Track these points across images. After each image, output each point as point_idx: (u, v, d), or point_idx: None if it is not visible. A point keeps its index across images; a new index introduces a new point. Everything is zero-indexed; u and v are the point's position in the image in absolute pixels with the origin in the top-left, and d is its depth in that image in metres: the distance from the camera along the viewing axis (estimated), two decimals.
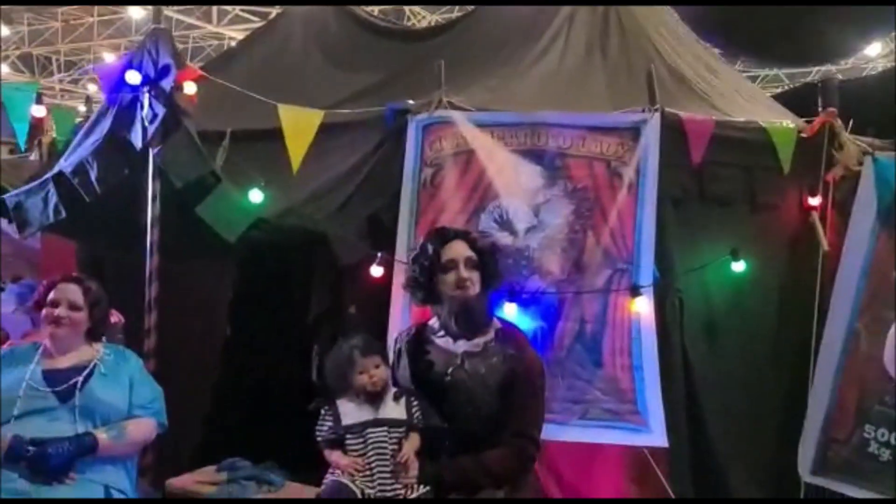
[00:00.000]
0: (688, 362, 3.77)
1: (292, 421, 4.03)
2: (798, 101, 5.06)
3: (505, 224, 3.70)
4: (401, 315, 3.65)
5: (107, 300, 3.14)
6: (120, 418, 2.96)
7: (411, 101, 3.88)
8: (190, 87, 3.46)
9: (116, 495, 2.86)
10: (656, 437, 3.40)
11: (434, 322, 2.74)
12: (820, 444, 3.76)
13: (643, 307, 3.54)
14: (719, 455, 3.81)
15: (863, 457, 3.67)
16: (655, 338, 3.50)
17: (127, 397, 3.00)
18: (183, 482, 3.20)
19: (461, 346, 2.62)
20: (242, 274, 3.92)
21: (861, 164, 3.88)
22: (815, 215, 3.84)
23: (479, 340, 2.61)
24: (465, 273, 2.59)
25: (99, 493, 2.82)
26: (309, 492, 3.17)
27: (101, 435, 2.87)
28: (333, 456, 2.50)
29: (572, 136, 3.76)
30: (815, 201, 3.90)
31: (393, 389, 2.55)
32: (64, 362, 3.00)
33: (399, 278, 3.68)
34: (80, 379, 2.94)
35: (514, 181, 3.75)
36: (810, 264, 3.95)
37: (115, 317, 3.46)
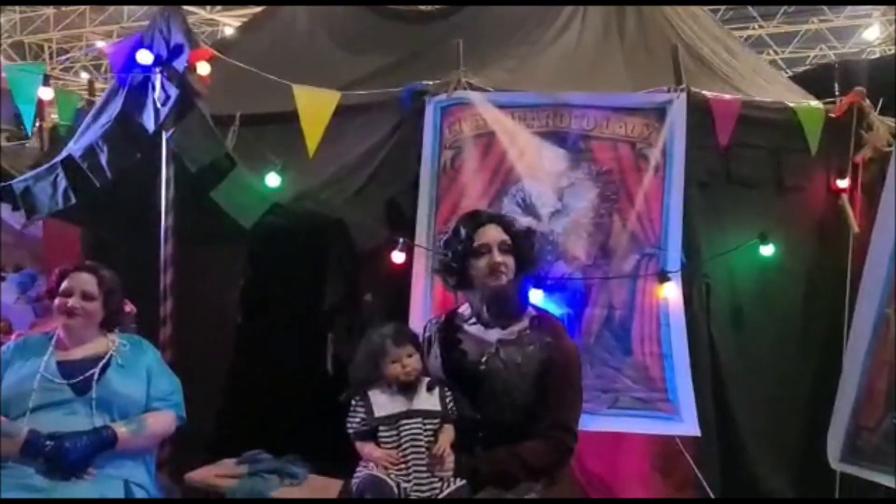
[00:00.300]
0: (715, 349, 3.69)
1: (311, 411, 3.98)
2: (812, 83, 4.99)
3: (528, 208, 3.61)
4: (422, 302, 3.56)
5: (121, 289, 3.03)
6: (138, 411, 2.86)
7: (429, 82, 3.77)
8: (203, 68, 3.33)
9: (136, 490, 2.76)
10: (688, 426, 3.32)
11: (465, 309, 2.64)
12: (849, 431, 3.68)
13: (671, 293, 3.45)
14: (747, 443, 3.74)
15: (893, 443, 3.59)
16: (684, 324, 3.41)
17: (145, 389, 2.90)
18: (202, 476, 3.11)
19: (495, 334, 2.52)
20: (257, 260, 3.81)
21: (891, 145, 3.78)
22: (845, 198, 3.75)
23: (514, 328, 2.51)
24: (498, 258, 2.49)
25: (118, 489, 2.72)
26: (333, 485, 3.08)
27: (121, 429, 2.77)
28: (366, 448, 2.41)
29: (596, 118, 3.66)
30: (843, 183, 3.82)
31: (426, 379, 2.46)
32: (78, 353, 2.90)
33: (420, 264, 3.60)
34: (97, 370, 2.84)
35: (537, 164, 3.65)
36: (838, 248, 3.87)
37: (128, 306, 3.35)
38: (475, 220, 2.57)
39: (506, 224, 2.58)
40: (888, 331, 3.70)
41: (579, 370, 2.54)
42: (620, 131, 3.66)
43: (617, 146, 3.63)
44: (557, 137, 3.66)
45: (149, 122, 3.32)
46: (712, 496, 3.64)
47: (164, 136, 3.34)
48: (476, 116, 3.70)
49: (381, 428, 2.39)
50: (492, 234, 2.52)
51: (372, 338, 2.48)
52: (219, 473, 3.09)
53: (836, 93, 4.13)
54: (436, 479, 2.34)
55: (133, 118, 3.33)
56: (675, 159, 3.58)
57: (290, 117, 3.58)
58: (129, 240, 3.63)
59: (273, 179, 3.37)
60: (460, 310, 2.65)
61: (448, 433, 2.38)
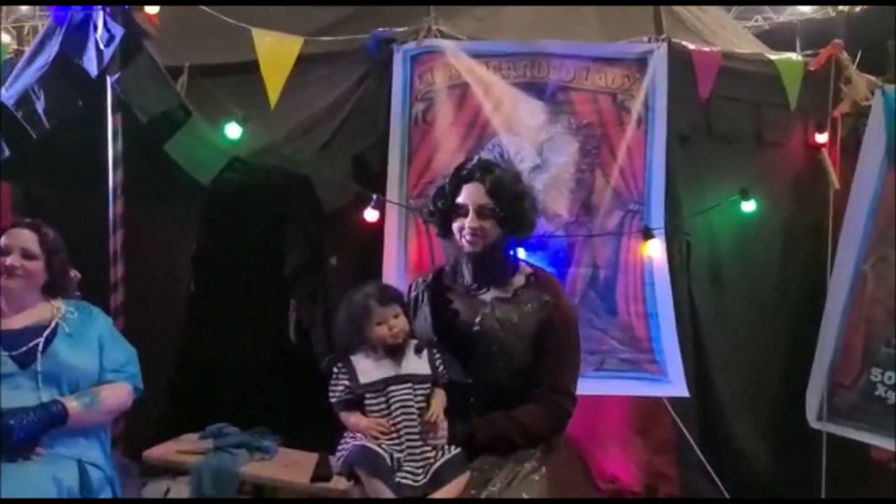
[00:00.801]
0: (694, 308, 3.60)
1: (276, 381, 3.77)
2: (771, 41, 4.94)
3: (506, 164, 3.39)
4: (395, 264, 3.36)
5: (65, 250, 2.74)
6: (90, 384, 2.59)
7: (398, 29, 3.52)
8: (151, 7, 3.02)
9: (92, 471, 2.50)
10: (676, 387, 3.23)
11: (449, 261, 2.44)
12: (827, 389, 3.66)
13: (655, 251, 3.34)
14: (725, 403, 3.69)
15: (870, 400, 3.59)
16: (669, 283, 3.30)
17: (97, 360, 2.63)
18: (163, 452, 2.87)
19: (489, 293, 2.34)
20: (215, 220, 3.53)
21: (869, 98, 3.72)
22: (825, 152, 3.68)
23: (510, 286, 2.33)
24: (473, 223, 2.26)
25: (72, 469, 2.46)
26: (305, 458, 2.89)
27: (72, 403, 2.50)
28: (352, 418, 2.21)
29: (575, 68, 3.48)
30: (822, 138, 3.75)
31: (413, 342, 2.26)
32: (19, 322, 2.60)
33: (392, 223, 3.39)
34: (42, 341, 2.55)
35: (514, 117, 3.47)
36: (817, 205, 3.83)
37: (71, 272, 3.05)
38: (459, 174, 2.35)
39: (494, 183, 2.29)
40: (865, 287, 3.68)
41: (577, 331, 2.38)
42: (601, 82, 3.49)
43: (597, 98, 3.47)
44: (535, 89, 3.48)
45: (91, 66, 3.00)
46: (695, 458, 3.58)
47: (109, 82, 3.03)
48: (449, 66, 3.48)
49: (367, 396, 2.19)
50: (472, 194, 2.30)
51: (354, 298, 2.27)
52: (181, 449, 2.86)
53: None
54: (429, 448, 2.16)
55: (73, 61, 3.00)
56: (657, 112, 3.45)
57: (249, 67, 3.30)
58: (72, 199, 3.30)
59: (233, 131, 3.10)
60: (448, 267, 2.45)
61: (440, 398, 2.20)
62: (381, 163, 3.49)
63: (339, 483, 2.60)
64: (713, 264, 3.72)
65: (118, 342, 2.74)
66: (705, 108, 3.61)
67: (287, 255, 3.75)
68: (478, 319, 2.31)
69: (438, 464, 2.14)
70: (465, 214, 2.28)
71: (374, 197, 3.25)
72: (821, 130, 3.74)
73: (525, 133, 3.45)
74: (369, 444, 2.13)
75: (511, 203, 2.29)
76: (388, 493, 2.06)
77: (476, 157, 2.40)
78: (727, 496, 3.54)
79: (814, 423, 3.65)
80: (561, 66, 3.46)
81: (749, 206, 3.55)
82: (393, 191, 3.41)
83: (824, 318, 3.67)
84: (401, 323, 2.24)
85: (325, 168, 3.40)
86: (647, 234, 3.32)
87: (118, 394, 2.65)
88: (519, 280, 2.34)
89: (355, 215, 3.44)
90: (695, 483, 3.63)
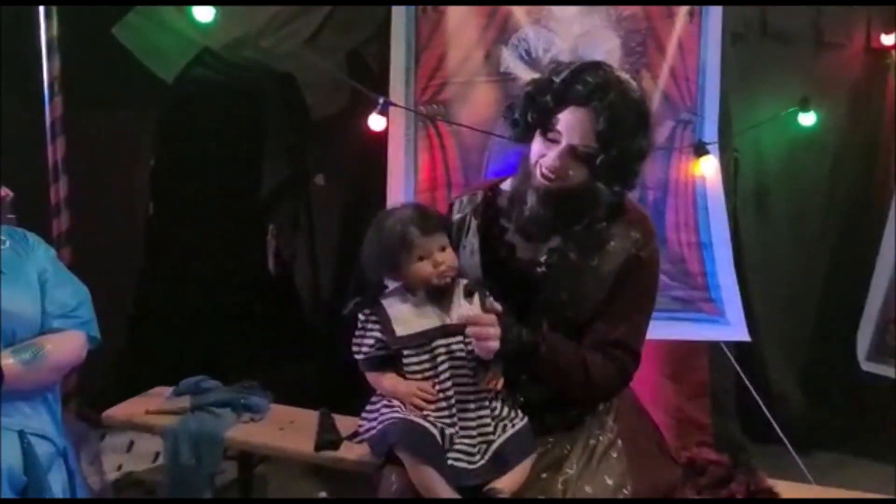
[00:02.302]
0: (738, 235, 3.15)
1: (256, 323, 3.23)
2: None
3: (534, 63, 2.84)
4: (402, 184, 2.79)
5: None
6: (31, 334, 2.02)
7: None
8: None
9: (38, 443, 1.96)
10: (735, 329, 2.79)
11: (511, 184, 1.87)
12: (878, 326, 3.29)
13: (709, 169, 2.84)
14: (764, 343, 3.29)
15: None
16: (724, 208, 2.83)
17: (38, 303, 2.05)
18: (128, 412, 2.33)
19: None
20: (178, 128, 2.91)
21: None
22: (895, 55, 3.19)
23: (585, 220, 1.78)
24: (557, 161, 1.68)
25: (12, 443, 1.91)
26: (303, 417, 2.39)
27: (7, 360, 1.93)
28: (386, 381, 1.70)
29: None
30: (889, 40, 3.26)
31: (463, 282, 1.73)
32: None
33: (398, 132, 2.80)
34: None
35: (541, 7, 2.87)
36: (871, 121, 3.37)
37: (2, 190, 2.42)
38: (569, 87, 1.68)
39: (610, 119, 1.64)
40: None
41: (657, 286, 1.87)
42: None
43: None
44: None
45: None
46: (731, 404, 3.20)
47: None
48: None
49: (405, 352, 1.67)
50: (575, 126, 1.67)
51: (386, 224, 1.71)
52: (151, 409, 2.31)
53: None
54: (488, 420, 1.67)
55: None
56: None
57: None
58: None
59: (204, 13, 2.45)
60: (504, 185, 1.89)
61: (499, 357, 1.70)
62: (381, 60, 2.89)
63: (350, 451, 2.11)
64: (759, 186, 3.28)
65: (65, 279, 2.15)
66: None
67: (265, 172, 3.18)
68: (543, 258, 1.77)
69: (500, 440, 1.66)
70: (556, 142, 1.70)
71: (381, 100, 2.66)
72: (887, 31, 3.25)
73: (555, 26, 2.87)
74: (413, 417, 1.63)
75: (621, 151, 1.67)
76: (440, 484, 1.58)
77: (600, 69, 1.72)
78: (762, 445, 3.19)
79: (864, 365, 3.29)
80: None
81: (808, 119, 3.08)
82: (397, 94, 2.81)
83: (882, 248, 3.26)
84: (449, 258, 1.71)
85: (312, 65, 2.79)
86: (701, 150, 2.82)
87: (68, 345, 2.07)
88: (600, 211, 1.79)
89: (348, 123, 2.86)
90: (731, 431, 3.26)
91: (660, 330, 2.76)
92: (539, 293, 1.78)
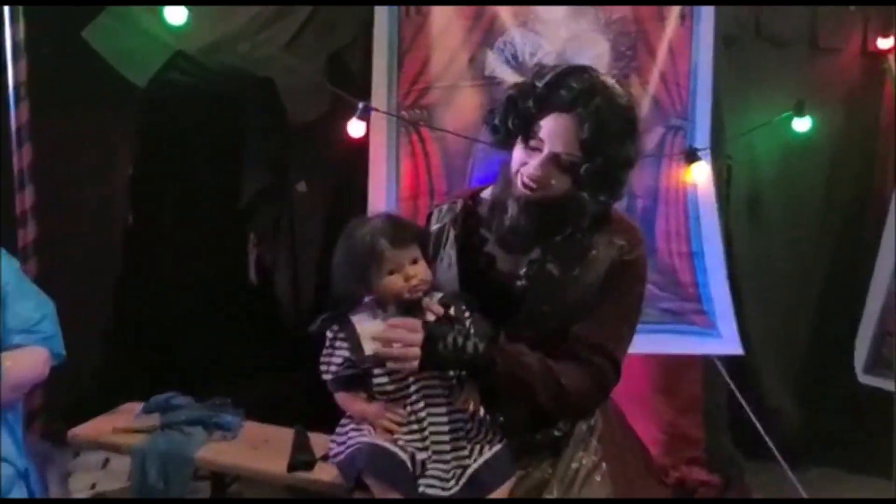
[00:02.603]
0: (732, 245, 3.06)
1: (234, 335, 3.14)
2: None
3: (520, 66, 2.76)
4: (384, 191, 2.70)
5: None
6: None
7: None
8: None
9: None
10: (727, 342, 2.70)
11: (491, 192, 1.78)
12: (875, 338, 3.20)
13: (701, 177, 2.76)
14: (758, 355, 3.20)
15: None
16: (717, 216, 2.74)
17: None
18: (95, 431, 2.23)
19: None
20: (154, 135, 2.82)
21: None
22: (892, 59, 3.11)
23: (568, 230, 1.68)
24: (539, 170, 1.59)
25: None
26: (277, 435, 2.30)
27: None
28: (356, 404, 1.61)
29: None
30: (885, 44, 3.17)
31: (437, 295, 1.65)
32: None
33: (380, 138, 2.71)
34: None
35: (530, 9, 2.79)
36: (868, 127, 3.29)
37: None
38: (551, 92, 1.59)
39: (595, 125, 1.55)
40: None
41: (643, 293, 1.76)
42: None
43: None
44: None
45: None
46: (724, 418, 3.11)
47: None
48: None
49: (374, 372, 1.58)
50: (558, 133, 1.58)
51: (356, 235, 1.62)
52: (119, 427, 2.22)
53: None
54: (463, 444, 1.58)
55: None
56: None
57: None
58: None
59: (176, 14, 2.36)
60: (485, 193, 1.81)
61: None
62: (364, 64, 2.80)
63: (324, 472, 2.02)
64: (753, 194, 3.19)
65: (27, 293, 2.07)
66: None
67: (245, 179, 3.09)
68: (523, 271, 1.68)
69: (476, 465, 1.57)
70: (538, 150, 1.61)
71: (361, 105, 2.57)
72: (884, 34, 3.16)
73: (542, 29, 2.79)
74: (381, 442, 1.54)
75: (606, 160, 1.58)
76: None
77: (585, 73, 1.62)
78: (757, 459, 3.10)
79: (862, 377, 3.19)
80: None
81: (803, 125, 2.99)
82: (379, 99, 2.73)
83: (879, 257, 3.17)
84: (421, 270, 1.62)
85: (293, 69, 2.70)
86: (692, 157, 2.73)
87: (28, 362, 1.99)
88: (584, 220, 1.70)
89: (329, 129, 2.77)
90: (723, 446, 3.17)
91: (649, 343, 2.69)
92: (520, 306, 1.68)
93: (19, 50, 2.33)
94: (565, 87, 1.59)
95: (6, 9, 2.30)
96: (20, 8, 2.33)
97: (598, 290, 1.67)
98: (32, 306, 2.04)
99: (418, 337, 1.54)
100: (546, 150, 1.60)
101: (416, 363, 1.53)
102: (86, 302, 2.52)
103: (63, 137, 2.53)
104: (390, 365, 1.54)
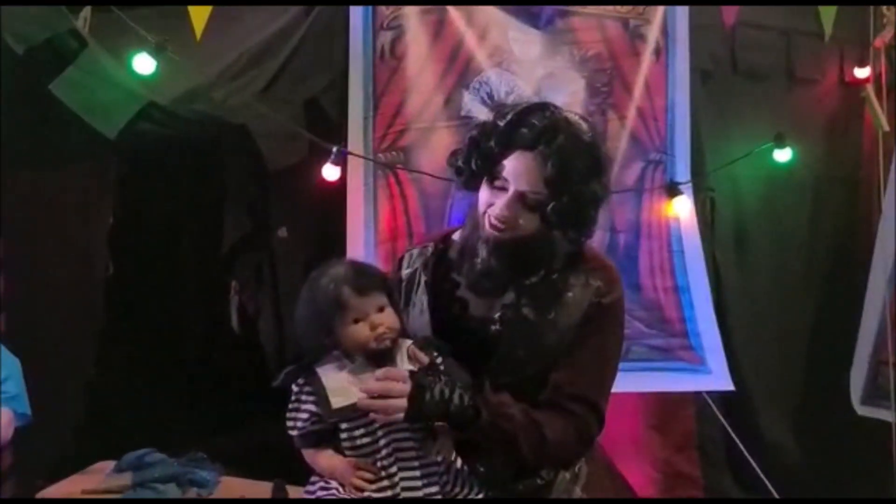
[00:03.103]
0: (719, 278, 3.03)
1: (214, 388, 3.07)
2: None
3: (495, 106, 2.73)
4: (362, 234, 2.67)
5: None
6: None
7: None
8: None
9: None
10: (717, 378, 2.65)
11: (463, 234, 1.74)
12: (870, 369, 3.14)
13: (683, 210, 2.73)
14: (751, 389, 3.14)
15: None
16: (701, 249, 2.71)
17: None
18: (66, 491, 2.16)
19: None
20: (129, 185, 2.79)
21: None
22: (870, 89, 3.11)
23: (541, 272, 1.64)
24: (506, 210, 1.54)
25: None
26: (255, 489, 2.23)
27: None
28: (323, 459, 1.54)
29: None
30: (862, 73, 3.18)
31: (406, 343, 1.59)
32: None
33: (357, 182, 2.70)
34: None
35: (505, 49, 2.82)
36: (850, 155, 3.28)
37: None
38: (513, 130, 1.56)
39: (559, 163, 1.51)
40: None
41: (622, 334, 1.72)
42: (607, 5, 2.85)
43: (605, 24, 2.84)
44: (528, 14, 2.83)
45: None
46: (720, 455, 3.04)
47: None
48: None
49: (343, 426, 1.52)
50: (522, 172, 1.54)
51: (319, 285, 1.57)
52: (88, 488, 2.14)
53: None
54: (438, 496, 1.51)
55: None
56: (678, 41, 2.85)
57: None
58: None
59: (144, 63, 2.36)
60: (456, 235, 1.77)
61: (446, 424, 1.55)
62: (340, 108, 2.79)
63: None
64: (738, 225, 3.18)
65: None
66: (730, 36, 3.01)
67: (225, 226, 3.06)
68: (497, 315, 1.63)
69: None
70: (503, 189, 1.56)
71: (334, 149, 2.55)
72: (861, 64, 3.17)
73: (518, 68, 2.80)
74: (349, 497, 1.47)
75: (573, 198, 1.53)
76: None
77: (547, 110, 1.58)
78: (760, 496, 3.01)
79: (859, 409, 3.13)
80: None
81: (784, 155, 2.98)
82: (356, 142, 2.72)
83: (869, 286, 3.13)
84: (388, 318, 1.56)
85: (268, 116, 2.69)
86: (673, 190, 2.72)
87: None
88: (557, 261, 1.66)
89: (308, 174, 2.75)
90: (721, 483, 3.10)
91: (638, 381, 2.64)
92: (495, 352, 1.63)
93: None
94: (527, 125, 1.56)
95: None
96: None
97: (575, 335, 1.62)
98: None
99: (406, 388, 1.48)
100: (511, 190, 1.57)
101: (401, 415, 1.47)
102: (57, 357, 2.45)
103: (34, 192, 2.49)
104: (372, 416, 1.48)
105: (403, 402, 1.47)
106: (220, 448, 2.37)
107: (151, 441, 2.34)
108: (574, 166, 1.54)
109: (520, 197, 1.56)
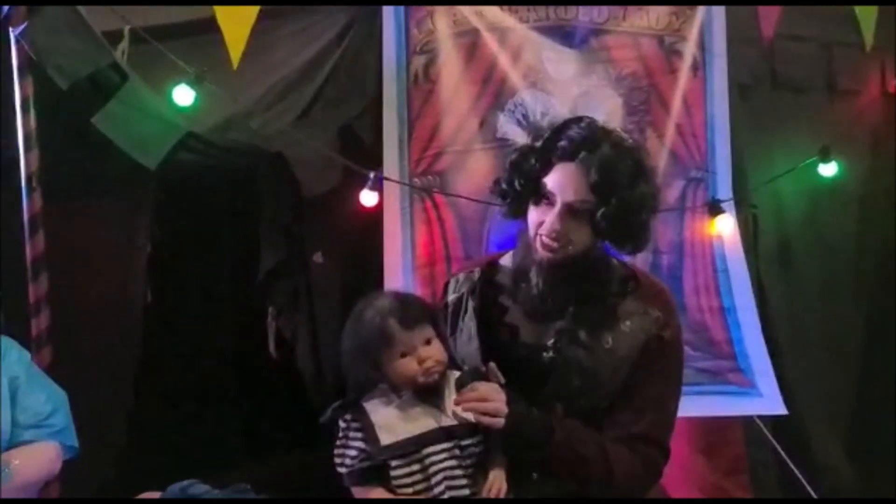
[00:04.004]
0: (764, 297, 2.96)
1: (256, 415, 3.07)
2: None
3: (531, 127, 2.73)
4: (400, 259, 2.66)
5: None
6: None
7: None
8: None
9: None
10: (768, 400, 2.58)
11: (511, 259, 1.71)
12: None
13: (726, 228, 2.68)
14: (802, 410, 3.04)
15: None
16: (746, 267, 2.65)
17: (7, 414, 1.92)
18: None
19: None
20: (166, 214, 2.80)
21: None
22: None
23: (598, 295, 1.61)
24: (557, 223, 1.53)
25: None
26: None
27: None
28: (374, 496, 1.52)
29: (609, 7, 2.80)
30: None
31: (454, 374, 1.57)
32: None
33: (394, 208, 2.68)
34: None
35: (539, 69, 2.80)
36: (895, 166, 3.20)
37: None
38: (552, 144, 1.56)
39: (603, 169, 1.50)
40: None
41: (683, 364, 1.70)
42: (641, 23, 2.83)
43: (639, 41, 2.80)
44: (562, 33, 2.81)
45: None
46: (772, 478, 2.96)
47: (13, 35, 2.28)
48: (452, 10, 2.79)
49: (392, 463, 1.49)
50: (566, 182, 1.53)
51: (364, 317, 1.56)
52: None
53: None
54: None
55: None
56: (715, 55, 2.80)
57: (205, 25, 2.57)
58: None
59: (184, 95, 2.38)
60: (503, 260, 1.74)
61: (500, 460, 1.51)
62: (374, 133, 2.79)
63: None
64: (782, 242, 3.10)
65: (38, 385, 2.02)
66: (769, 49, 2.96)
67: (262, 253, 3.06)
68: (550, 342, 1.61)
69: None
70: (551, 205, 1.56)
71: (372, 175, 2.54)
72: None
73: (553, 88, 2.78)
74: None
75: (623, 205, 1.52)
76: None
77: (583, 122, 1.59)
78: None
79: None
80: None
81: (829, 170, 2.91)
82: (391, 167, 2.71)
83: None
84: (435, 351, 1.54)
85: (304, 143, 2.70)
86: (716, 209, 2.66)
87: (38, 458, 1.94)
88: (614, 286, 1.63)
89: (343, 200, 2.75)
90: None
91: (687, 406, 2.55)
92: (547, 380, 1.60)
93: (31, 140, 2.34)
94: (565, 138, 1.57)
95: (17, 100, 2.32)
96: (31, 98, 2.34)
97: (637, 373, 1.60)
98: (43, 399, 2.00)
99: (503, 398, 1.50)
100: (558, 203, 1.55)
101: (501, 421, 1.48)
102: (100, 387, 2.46)
103: (76, 224, 2.51)
104: (479, 418, 1.47)
105: (503, 409, 1.48)
106: (262, 477, 2.35)
107: (193, 470, 2.33)
108: (617, 169, 1.53)
109: (568, 208, 1.54)
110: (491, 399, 1.49)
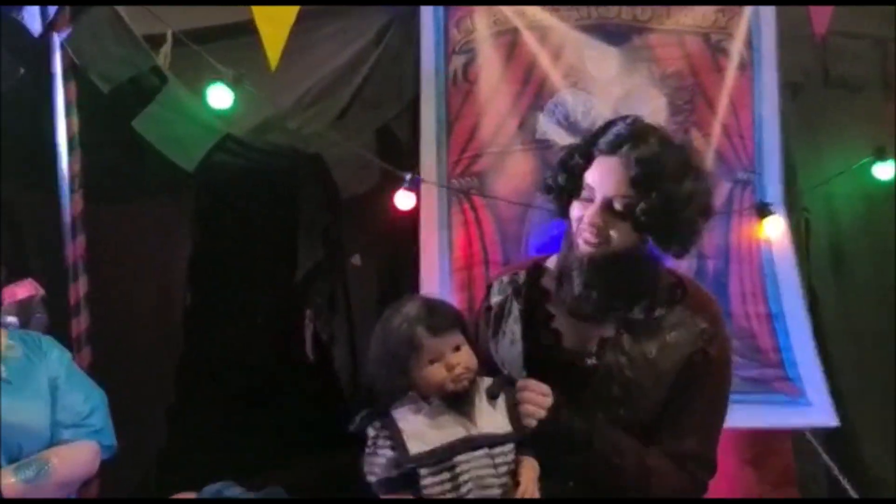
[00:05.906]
0: (817, 303, 2.85)
1: (292, 418, 3.07)
2: None
3: (572, 127, 2.68)
4: (437, 262, 2.63)
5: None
6: (39, 447, 1.91)
7: None
8: None
9: None
10: (819, 411, 2.48)
11: (556, 261, 1.66)
12: None
13: (775, 232, 2.58)
14: (856, 421, 2.93)
15: None
16: (796, 273, 2.55)
17: (47, 414, 1.94)
18: None
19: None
20: (205, 216, 2.82)
21: None
22: None
23: (643, 302, 1.57)
24: (595, 217, 1.50)
25: None
26: None
27: (9, 479, 1.82)
28: None
29: (653, 5, 2.74)
30: None
31: (485, 381, 1.53)
32: None
33: (431, 210, 2.65)
34: None
35: (580, 68, 2.74)
36: None
37: (30, 288, 2.36)
38: (595, 138, 1.54)
39: (645, 163, 1.46)
40: None
41: (731, 377, 1.64)
42: (687, 20, 2.75)
43: (684, 40, 2.73)
44: (604, 32, 2.75)
45: (33, 22, 2.30)
46: (823, 491, 2.85)
47: (58, 40, 2.31)
48: (492, 9, 2.75)
49: (422, 472, 1.46)
50: (606, 175, 1.50)
51: (392, 324, 1.53)
52: None
53: None
54: None
55: (8, 16, 2.30)
56: (763, 53, 2.71)
57: (243, 28, 2.57)
58: (14, 196, 2.57)
59: (222, 98, 2.38)
60: (549, 262, 1.68)
61: (531, 466, 1.47)
62: (412, 134, 2.77)
63: None
64: (835, 247, 2.99)
65: (78, 385, 2.04)
66: (821, 47, 2.85)
67: (299, 255, 3.06)
68: (593, 349, 1.56)
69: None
70: (591, 200, 1.52)
71: (408, 177, 2.52)
72: None
73: (594, 88, 2.72)
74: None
75: (664, 200, 1.46)
76: None
77: (629, 118, 1.55)
78: None
79: None
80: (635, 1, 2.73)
81: (885, 171, 2.79)
82: (429, 169, 2.69)
83: None
84: (464, 358, 1.50)
85: (341, 144, 2.69)
86: (764, 211, 2.57)
87: (77, 457, 1.96)
88: (660, 293, 1.58)
89: (381, 202, 2.74)
90: None
91: (734, 417, 2.47)
92: (588, 387, 1.56)
93: (73, 142, 2.37)
94: (610, 134, 1.53)
95: (60, 104, 2.36)
96: (74, 103, 2.38)
97: (677, 380, 1.54)
98: (82, 399, 2.02)
99: (549, 400, 1.48)
100: (598, 197, 1.51)
101: (534, 422, 1.47)
102: (139, 388, 2.49)
103: (116, 226, 2.55)
104: (522, 408, 1.48)
105: (543, 412, 1.47)
106: (296, 479, 2.34)
107: (229, 471, 2.34)
108: (660, 163, 1.47)
109: (607, 204, 1.50)
110: (539, 401, 1.48)
